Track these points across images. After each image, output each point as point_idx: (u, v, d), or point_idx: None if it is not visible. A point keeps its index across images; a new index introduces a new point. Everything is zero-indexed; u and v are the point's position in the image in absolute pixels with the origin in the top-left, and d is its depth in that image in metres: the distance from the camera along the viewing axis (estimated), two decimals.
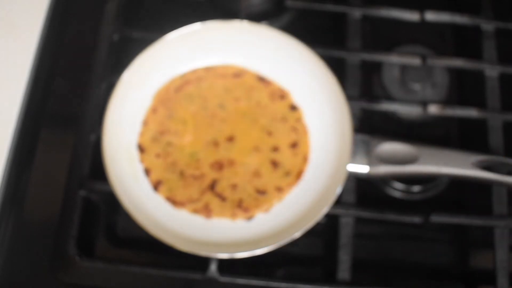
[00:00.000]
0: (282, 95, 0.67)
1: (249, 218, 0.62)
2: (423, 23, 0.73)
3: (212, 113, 0.66)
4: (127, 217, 0.65)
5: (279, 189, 0.63)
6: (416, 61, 0.71)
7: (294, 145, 0.65)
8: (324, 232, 0.67)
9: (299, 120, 0.67)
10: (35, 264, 0.61)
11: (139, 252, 0.67)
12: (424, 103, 0.69)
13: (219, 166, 0.64)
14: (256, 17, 0.73)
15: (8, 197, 0.63)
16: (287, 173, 0.64)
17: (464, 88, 0.76)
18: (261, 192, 0.63)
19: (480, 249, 0.70)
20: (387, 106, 0.68)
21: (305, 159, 0.65)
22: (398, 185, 0.69)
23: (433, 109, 0.68)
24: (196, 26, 0.66)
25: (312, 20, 0.79)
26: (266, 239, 0.60)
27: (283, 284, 0.61)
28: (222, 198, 0.63)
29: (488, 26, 0.73)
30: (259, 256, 0.57)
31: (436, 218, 0.63)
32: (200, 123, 0.66)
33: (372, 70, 0.75)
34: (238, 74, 0.68)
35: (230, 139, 0.65)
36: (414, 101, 0.70)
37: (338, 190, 0.60)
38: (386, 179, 0.69)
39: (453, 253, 0.69)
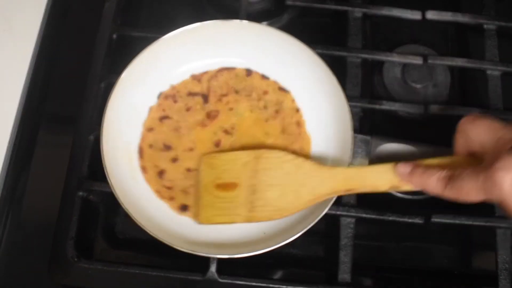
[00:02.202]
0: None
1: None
2: (424, 22, 0.73)
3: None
4: (126, 218, 0.64)
5: None
6: (417, 60, 0.70)
7: None
8: (325, 233, 0.67)
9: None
10: (34, 266, 0.61)
11: (138, 254, 0.67)
12: (425, 103, 0.68)
13: None
14: (256, 16, 0.72)
15: (6, 198, 0.63)
16: None
17: (466, 87, 0.75)
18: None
19: (481, 250, 0.69)
20: (388, 106, 0.68)
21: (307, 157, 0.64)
22: None
23: (435, 109, 0.68)
24: (196, 26, 0.66)
25: (312, 19, 0.78)
26: (265, 240, 0.60)
27: (283, 286, 0.60)
28: None
29: (490, 25, 0.72)
30: (258, 257, 0.57)
31: (437, 219, 0.62)
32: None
33: (373, 70, 0.74)
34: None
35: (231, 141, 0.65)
36: (416, 101, 0.70)
37: None
38: None
39: (455, 254, 0.68)
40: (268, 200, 0.60)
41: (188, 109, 0.66)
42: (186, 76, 0.68)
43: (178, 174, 0.64)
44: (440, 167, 0.54)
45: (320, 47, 0.68)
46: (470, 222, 0.63)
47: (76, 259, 0.61)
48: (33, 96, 0.67)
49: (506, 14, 0.77)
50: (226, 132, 0.65)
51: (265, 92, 0.67)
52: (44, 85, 0.69)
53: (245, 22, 0.67)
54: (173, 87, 0.66)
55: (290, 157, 0.61)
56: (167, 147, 0.65)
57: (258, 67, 0.68)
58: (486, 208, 0.64)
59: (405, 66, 0.72)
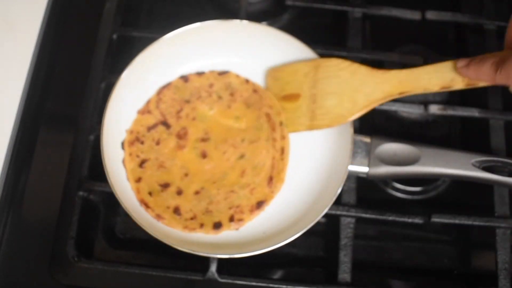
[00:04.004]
0: None
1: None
2: (424, 22, 0.73)
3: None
4: (126, 218, 0.65)
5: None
6: (417, 60, 0.70)
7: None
8: (325, 233, 0.67)
9: None
10: (34, 265, 0.61)
11: (138, 253, 0.67)
12: (425, 103, 0.68)
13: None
14: (256, 16, 0.72)
15: (6, 198, 0.63)
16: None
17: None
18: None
19: (481, 250, 0.69)
20: (388, 106, 0.68)
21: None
22: (399, 186, 0.69)
23: (435, 109, 0.68)
24: (196, 26, 0.66)
25: (312, 19, 0.78)
26: (265, 240, 0.60)
27: (283, 286, 0.60)
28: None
29: (490, 25, 0.72)
30: (259, 257, 0.57)
31: (437, 219, 0.62)
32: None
33: None
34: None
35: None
36: (415, 101, 0.70)
37: (338, 190, 0.60)
38: (387, 180, 0.69)
39: (454, 254, 0.68)
40: (327, 108, 0.62)
41: (158, 143, 0.64)
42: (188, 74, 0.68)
43: (190, 202, 0.62)
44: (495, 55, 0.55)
45: (320, 47, 0.68)
46: (470, 222, 0.63)
47: (76, 259, 0.61)
48: (33, 95, 0.67)
49: (506, 14, 0.76)
50: (204, 140, 0.65)
51: (211, 85, 0.67)
52: (44, 84, 0.69)
53: (245, 22, 0.67)
54: (130, 131, 0.64)
55: (346, 64, 0.63)
56: (165, 185, 0.63)
57: (258, 67, 0.68)
58: (486, 208, 0.64)
59: (405, 66, 0.72)
